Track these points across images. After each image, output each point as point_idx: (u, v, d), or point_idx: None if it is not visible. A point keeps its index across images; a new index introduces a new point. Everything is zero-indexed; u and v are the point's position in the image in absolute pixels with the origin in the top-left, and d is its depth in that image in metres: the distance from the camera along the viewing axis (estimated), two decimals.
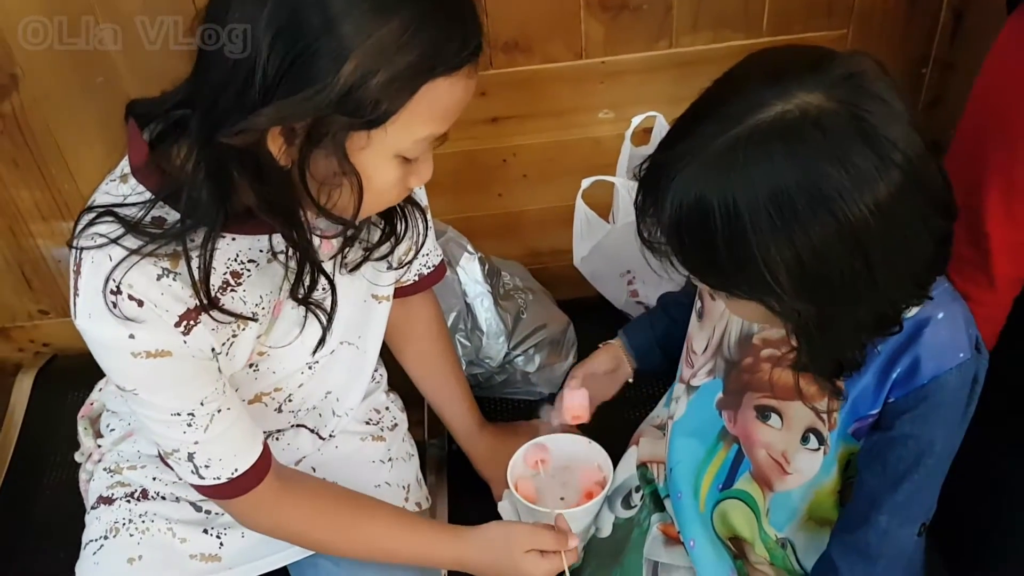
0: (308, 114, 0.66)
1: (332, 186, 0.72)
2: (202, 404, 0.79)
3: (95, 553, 0.95)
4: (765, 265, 0.65)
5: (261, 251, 0.81)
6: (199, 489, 0.85)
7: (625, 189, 1.15)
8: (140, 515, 0.95)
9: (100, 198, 0.76)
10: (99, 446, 1.04)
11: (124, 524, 0.95)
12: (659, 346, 1.04)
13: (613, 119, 1.24)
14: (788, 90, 0.64)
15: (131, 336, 0.73)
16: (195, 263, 0.73)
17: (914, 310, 0.74)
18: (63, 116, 1.17)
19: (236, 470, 0.83)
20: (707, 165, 0.65)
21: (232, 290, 0.79)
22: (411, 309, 1.06)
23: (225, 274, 0.79)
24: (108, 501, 0.98)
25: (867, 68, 0.66)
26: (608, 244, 1.18)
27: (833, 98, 0.64)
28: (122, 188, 0.76)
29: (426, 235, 0.97)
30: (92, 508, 0.99)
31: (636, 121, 1.15)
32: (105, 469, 1.00)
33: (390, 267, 0.94)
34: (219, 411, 0.80)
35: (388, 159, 0.72)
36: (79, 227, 0.74)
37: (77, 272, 0.74)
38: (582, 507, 0.98)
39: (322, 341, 0.86)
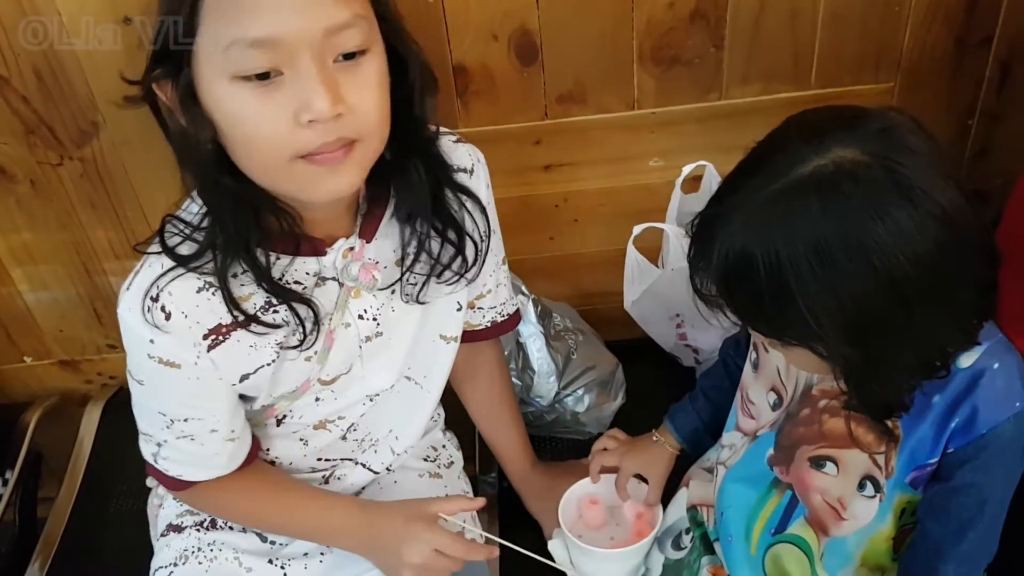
0: (151, 70, 0.74)
1: (226, 141, 0.73)
2: (186, 421, 0.86)
3: None
4: (809, 312, 0.67)
5: (308, 274, 0.84)
6: (148, 468, 0.93)
7: (675, 235, 1.18)
8: (208, 544, 0.99)
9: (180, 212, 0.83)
10: None
11: (193, 552, 0.99)
12: (708, 432, 1.05)
13: (663, 167, 1.27)
14: (825, 145, 0.67)
15: (151, 340, 0.79)
16: (228, 281, 0.79)
17: (970, 360, 0.75)
18: (140, 161, 1.22)
19: (181, 475, 0.91)
20: (749, 218, 0.69)
21: (275, 310, 0.82)
22: (477, 352, 1.09)
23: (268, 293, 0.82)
24: (178, 529, 1.02)
25: (901, 123, 0.69)
26: (658, 288, 1.21)
27: (867, 152, 0.67)
28: (191, 205, 0.82)
29: (481, 262, 0.94)
30: (162, 535, 1.03)
31: (687, 170, 1.18)
32: (176, 499, 1.04)
33: (460, 308, 0.97)
34: (196, 434, 0.87)
35: (224, 82, 0.70)
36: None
37: (137, 271, 0.81)
38: (632, 547, 1.00)
39: (304, 341, 0.84)
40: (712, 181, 1.21)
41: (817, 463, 0.85)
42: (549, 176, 1.28)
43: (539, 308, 1.25)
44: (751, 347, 0.94)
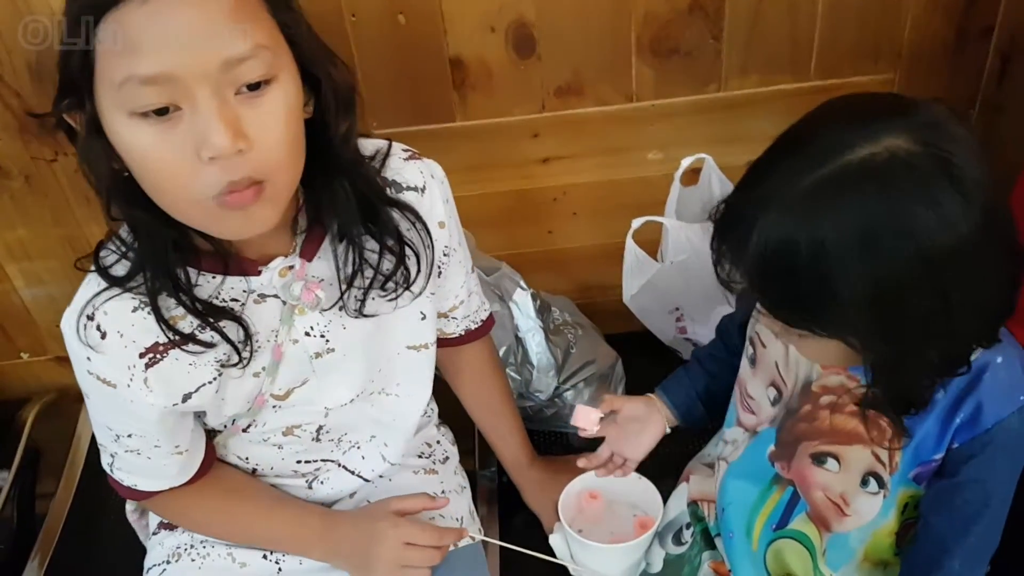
0: (59, 100, 0.71)
1: (134, 176, 0.71)
2: (129, 436, 0.87)
3: None
4: (850, 303, 0.66)
5: (244, 291, 0.83)
6: (108, 478, 0.93)
7: (674, 228, 1.17)
8: (201, 541, 0.99)
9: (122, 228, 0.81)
10: None
11: (186, 549, 0.99)
12: (701, 402, 1.03)
13: (662, 159, 1.26)
14: (874, 133, 0.66)
15: (88, 358, 0.80)
16: (164, 299, 0.78)
17: (976, 354, 0.75)
18: None
19: (136, 485, 0.92)
20: (793, 205, 0.67)
21: (213, 329, 0.81)
22: (459, 352, 1.08)
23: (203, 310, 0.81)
24: (170, 527, 1.01)
25: (947, 114, 0.68)
26: (657, 282, 1.20)
27: (919, 142, 0.65)
28: None
29: (427, 275, 0.90)
30: (154, 534, 1.03)
31: (686, 162, 1.18)
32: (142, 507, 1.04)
33: (424, 317, 0.94)
34: (142, 449, 0.87)
35: (123, 118, 0.67)
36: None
37: (81, 288, 0.81)
38: (633, 542, 1.00)
39: (240, 360, 0.83)
40: (711, 173, 1.20)
41: (818, 459, 0.85)
42: (547, 169, 1.27)
43: (538, 302, 1.25)
44: (747, 342, 0.93)
